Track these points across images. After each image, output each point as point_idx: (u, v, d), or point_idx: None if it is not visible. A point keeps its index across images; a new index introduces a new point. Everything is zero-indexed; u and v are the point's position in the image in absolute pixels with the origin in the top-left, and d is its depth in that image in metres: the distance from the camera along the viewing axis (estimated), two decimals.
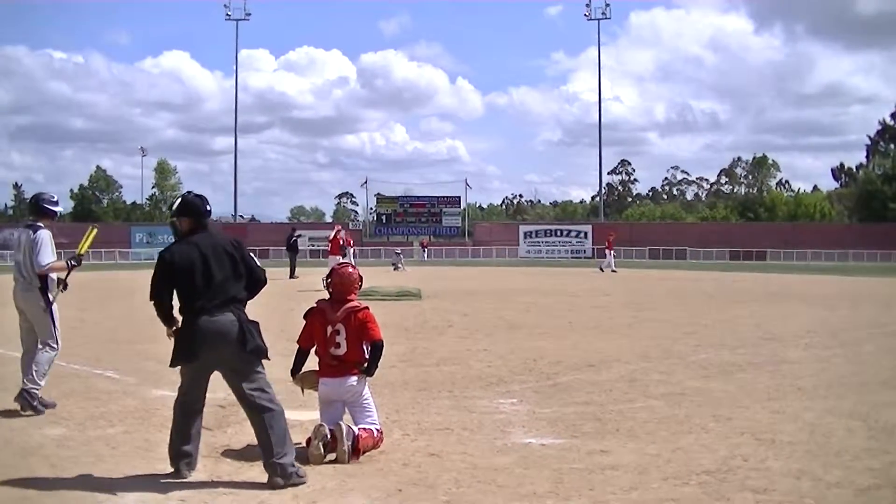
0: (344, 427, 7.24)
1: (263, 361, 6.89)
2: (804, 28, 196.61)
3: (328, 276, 7.99)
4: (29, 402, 9.01)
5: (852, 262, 74.88)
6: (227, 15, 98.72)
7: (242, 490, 6.42)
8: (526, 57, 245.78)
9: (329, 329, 7.60)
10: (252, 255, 7.03)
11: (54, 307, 9.30)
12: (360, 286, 7.99)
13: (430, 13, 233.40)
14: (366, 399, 7.71)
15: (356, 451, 7.24)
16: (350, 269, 7.99)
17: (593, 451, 7.54)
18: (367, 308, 7.81)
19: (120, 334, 15.90)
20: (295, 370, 7.77)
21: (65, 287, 9.45)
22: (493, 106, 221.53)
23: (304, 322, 7.81)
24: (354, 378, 7.60)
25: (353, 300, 7.78)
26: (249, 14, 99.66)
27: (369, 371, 7.74)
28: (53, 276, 9.32)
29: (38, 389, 9.07)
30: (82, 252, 9.45)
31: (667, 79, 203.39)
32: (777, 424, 8.59)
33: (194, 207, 6.97)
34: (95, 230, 9.67)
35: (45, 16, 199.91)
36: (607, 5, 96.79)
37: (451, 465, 7.09)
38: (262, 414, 6.66)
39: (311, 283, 27.90)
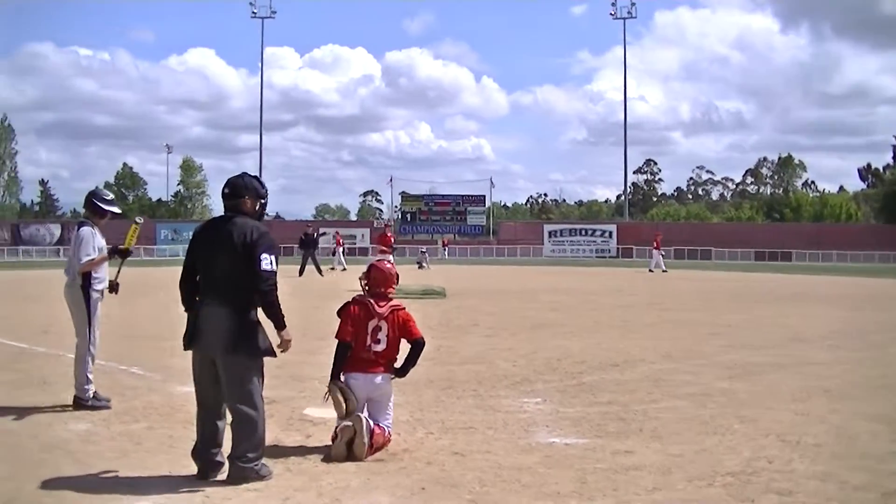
0: (363, 420, 7.24)
1: (270, 360, 6.84)
2: (830, 27, 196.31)
3: (366, 271, 8.00)
4: (83, 406, 9.11)
5: (878, 263, 74.48)
6: (253, 13, 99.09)
7: (267, 486, 6.43)
8: (551, 56, 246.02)
9: (372, 324, 7.63)
10: (268, 257, 6.65)
11: (94, 307, 9.31)
12: (397, 283, 8.03)
13: (455, 12, 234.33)
14: (390, 399, 7.75)
15: (370, 448, 7.26)
16: (388, 265, 8.07)
17: (617, 452, 7.52)
18: (404, 308, 7.91)
19: (145, 330, 15.97)
20: (337, 368, 7.60)
21: (115, 289, 9.45)
22: (517, 105, 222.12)
23: (342, 316, 7.72)
24: (380, 376, 7.61)
25: (391, 295, 7.87)
26: (275, 12, 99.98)
27: (404, 371, 7.81)
28: (101, 275, 9.36)
29: (86, 392, 9.15)
30: (128, 246, 9.45)
31: (692, 78, 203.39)
32: (802, 426, 8.54)
33: (230, 186, 6.92)
34: (139, 225, 9.66)
35: (71, 13, 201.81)
36: (633, 4, 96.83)
37: (475, 465, 7.08)
38: (239, 412, 6.61)
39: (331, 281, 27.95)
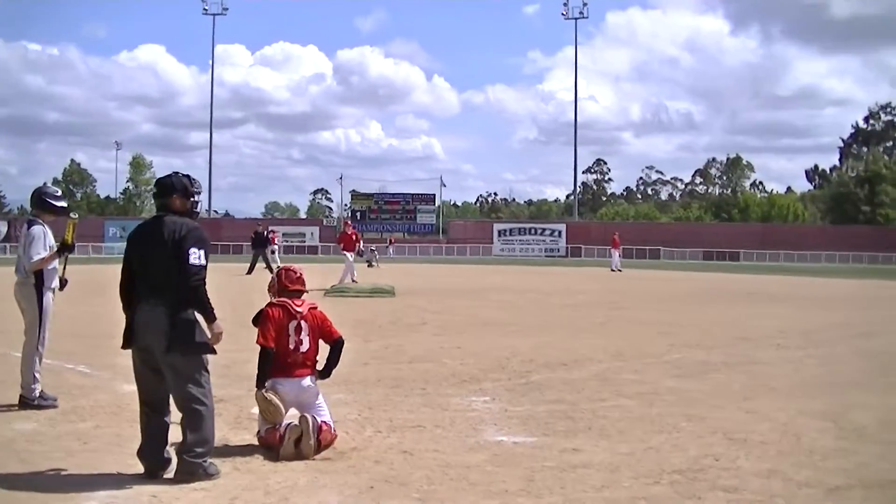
0: (310, 419, 7.21)
1: (209, 356, 6.79)
2: (780, 30, 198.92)
3: (276, 276, 8.03)
4: (29, 405, 8.99)
5: (825, 263, 75.50)
6: (204, 9, 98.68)
7: (214, 486, 6.38)
8: (502, 55, 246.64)
9: (293, 324, 7.58)
10: (197, 251, 6.57)
11: (46, 306, 9.19)
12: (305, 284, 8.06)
13: (407, 10, 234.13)
14: (320, 398, 7.70)
15: (319, 445, 7.24)
16: (296, 267, 8.12)
17: (565, 450, 7.53)
18: (317, 305, 7.95)
19: (92, 329, 15.79)
20: (263, 374, 7.50)
21: (63, 285, 9.39)
22: (469, 104, 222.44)
23: (262, 321, 7.62)
24: (308, 379, 7.60)
25: (303, 292, 7.91)
26: (227, 9, 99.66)
27: (328, 371, 7.80)
28: (51, 271, 9.25)
29: (33, 391, 9.04)
30: (69, 240, 9.35)
31: (642, 79, 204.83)
32: (749, 424, 8.61)
33: (158, 185, 6.94)
34: (75, 220, 9.55)
35: (19, 7, 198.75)
36: (585, 4, 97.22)
37: (424, 463, 7.07)
38: (188, 409, 6.57)
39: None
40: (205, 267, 6.63)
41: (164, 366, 6.56)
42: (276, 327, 7.55)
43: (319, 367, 7.79)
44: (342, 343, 7.83)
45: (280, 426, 7.29)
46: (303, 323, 7.61)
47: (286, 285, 7.82)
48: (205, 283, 6.63)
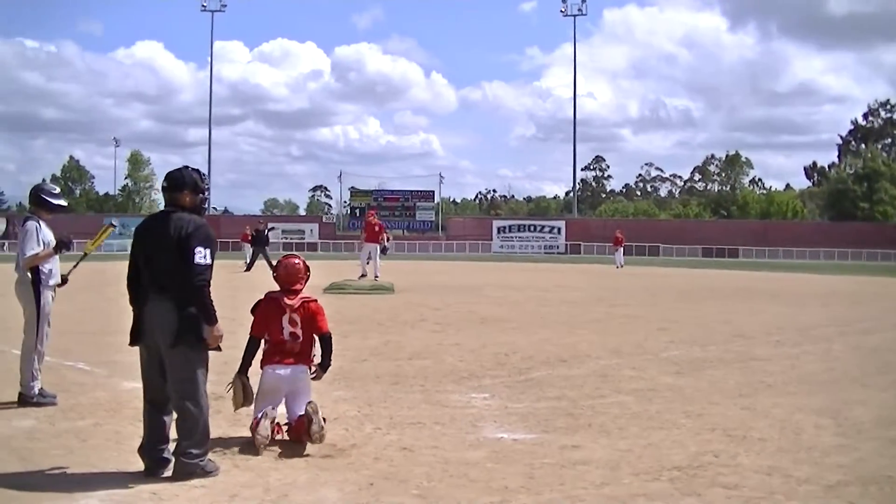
0: (315, 404, 7.41)
1: (212, 353, 6.83)
2: (777, 27, 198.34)
3: (275, 266, 8.06)
4: (29, 403, 8.99)
5: (823, 260, 75.52)
6: (203, 6, 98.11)
7: (214, 483, 6.39)
8: (500, 52, 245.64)
9: (286, 318, 7.66)
10: (202, 250, 6.58)
11: (44, 304, 9.17)
12: (307, 277, 8.05)
13: (404, 7, 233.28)
14: (309, 391, 7.77)
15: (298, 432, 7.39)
16: (296, 261, 8.05)
17: (565, 447, 7.55)
18: (316, 300, 7.92)
19: (91, 326, 15.84)
20: (246, 362, 7.66)
21: (63, 282, 9.40)
22: (466, 101, 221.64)
23: (254, 312, 7.80)
24: (300, 367, 7.69)
25: (300, 290, 7.88)
26: (225, 5, 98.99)
27: (324, 365, 7.86)
28: (49, 269, 9.22)
29: (32, 389, 9.03)
30: (89, 250, 9.35)
31: (640, 76, 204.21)
32: (748, 421, 8.63)
33: (169, 180, 6.89)
34: (112, 228, 9.55)
35: (17, 4, 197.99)
36: (583, 1, 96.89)
37: (423, 460, 7.08)
38: (182, 408, 6.59)
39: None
40: (210, 266, 6.62)
41: (169, 361, 6.57)
42: (266, 318, 7.69)
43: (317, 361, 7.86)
44: (329, 338, 7.88)
45: (258, 414, 7.42)
46: (295, 316, 7.69)
47: (283, 283, 7.88)
48: (209, 283, 6.63)
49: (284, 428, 7.60)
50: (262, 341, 7.73)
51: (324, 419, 7.38)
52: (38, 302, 9.05)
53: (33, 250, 8.98)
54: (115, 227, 9.49)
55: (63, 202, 9.56)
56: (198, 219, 6.76)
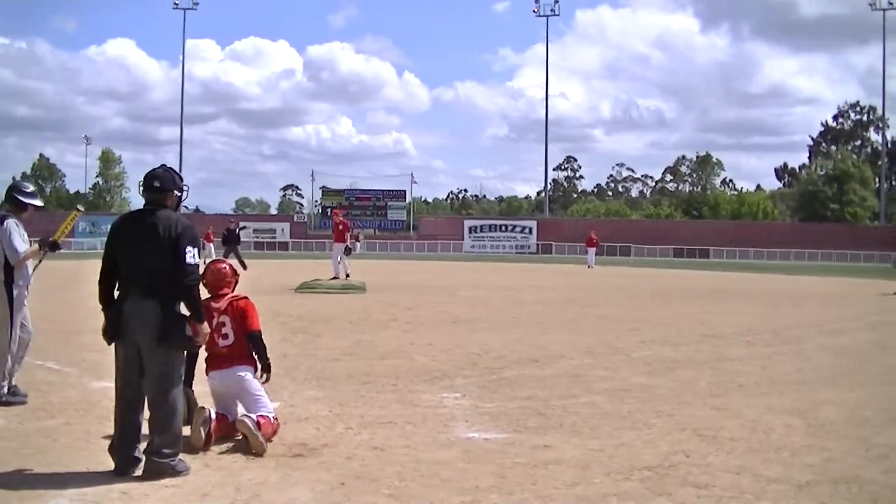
0: (248, 421, 7.24)
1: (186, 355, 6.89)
2: (750, 29, 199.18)
3: (203, 273, 7.79)
4: None
5: (794, 261, 76.09)
6: (175, 3, 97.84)
7: (185, 482, 6.36)
8: (473, 52, 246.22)
9: (214, 321, 7.56)
10: (192, 250, 6.64)
11: (17, 303, 9.02)
12: (235, 282, 8.02)
13: (378, 6, 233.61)
14: (256, 389, 7.68)
15: (263, 434, 7.25)
16: (222, 265, 8.06)
17: (536, 446, 7.55)
18: (246, 298, 7.89)
19: (62, 325, 15.69)
20: (187, 373, 7.43)
21: (53, 247, 9.28)
22: (439, 100, 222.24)
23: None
24: (239, 369, 7.61)
25: (227, 293, 7.84)
26: (197, 3, 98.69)
27: (264, 365, 7.77)
28: (26, 268, 9.14)
29: (1, 388, 8.92)
30: (59, 238, 9.28)
31: (613, 76, 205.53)
32: (719, 421, 8.66)
33: (160, 180, 6.85)
34: (80, 212, 9.46)
35: None
36: (556, 2, 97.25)
37: (395, 459, 7.06)
38: (157, 406, 6.58)
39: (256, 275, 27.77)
40: (199, 265, 6.69)
41: (148, 360, 6.55)
42: None
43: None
44: (258, 336, 7.77)
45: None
46: (224, 318, 7.64)
47: (210, 288, 7.85)
48: (199, 282, 6.72)
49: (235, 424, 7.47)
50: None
51: (264, 428, 7.30)
52: (10, 302, 8.96)
53: (22, 247, 8.90)
54: (81, 211, 9.41)
55: (36, 201, 9.42)
56: (184, 219, 6.79)
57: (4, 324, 8.97)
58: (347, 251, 29.84)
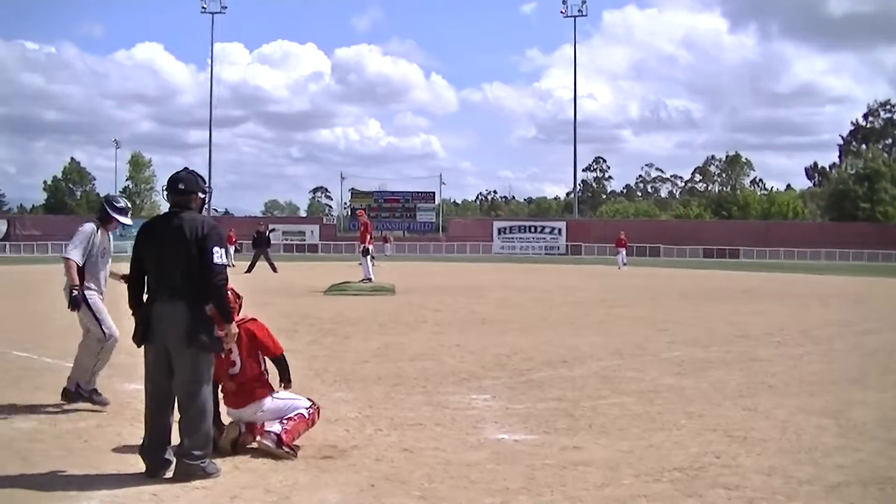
0: (267, 441, 7.14)
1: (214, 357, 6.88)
2: (778, 28, 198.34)
3: None
4: (82, 397, 9.01)
5: (824, 260, 75.44)
6: (203, 8, 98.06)
7: (215, 484, 6.39)
8: (500, 53, 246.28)
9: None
10: (219, 250, 6.65)
11: (94, 303, 9.03)
12: (239, 306, 7.61)
13: (404, 8, 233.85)
14: (275, 409, 7.42)
15: (287, 445, 7.18)
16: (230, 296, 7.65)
17: (566, 448, 7.54)
18: (254, 319, 7.62)
19: None
20: (215, 417, 7.25)
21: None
22: (467, 102, 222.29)
23: None
24: (265, 400, 7.39)
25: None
26: (225, 7, 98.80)
27: (286, 380, 7.56)
28: (98, 274, 9.13)
29: (80, 386, 9.01)
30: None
31: (640, 77, 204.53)
32: (749, 422, 8.62)
33: (185, 182, 6.88)
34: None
35: (17, 5, 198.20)
36: (584, 2, 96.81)
37: (424, 461, 7.08)
38: (187, 408, 6.62)
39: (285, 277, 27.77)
40: (227, 266, 6.73)
41: (178, 362, 6.60)
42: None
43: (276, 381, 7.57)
44: (281, 359, 7.55)
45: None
46: (232, 348, 7.31)
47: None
48: (227, 282, 6.75)
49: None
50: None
51: (290, 448, 7.20)
52: (87, 304, 8.97)
53: (69, 254, 8.91)
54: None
55: (123, 218, 9.30)
56: (210, 219, 6.85)
57: (91, 325, 9.00)
58: (364, 252, 29.47)
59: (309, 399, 7.68)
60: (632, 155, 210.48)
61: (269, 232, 42.48)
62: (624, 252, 52.31)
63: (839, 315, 21.20)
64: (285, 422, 7.30)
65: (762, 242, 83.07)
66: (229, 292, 7.30)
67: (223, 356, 7.22)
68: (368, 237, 29.50)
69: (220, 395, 7.48)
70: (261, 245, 39.42)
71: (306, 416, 7.47)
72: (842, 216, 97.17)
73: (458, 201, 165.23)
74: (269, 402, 7.40)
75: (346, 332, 15.92)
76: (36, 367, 11.29)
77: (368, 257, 29.07)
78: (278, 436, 7.18)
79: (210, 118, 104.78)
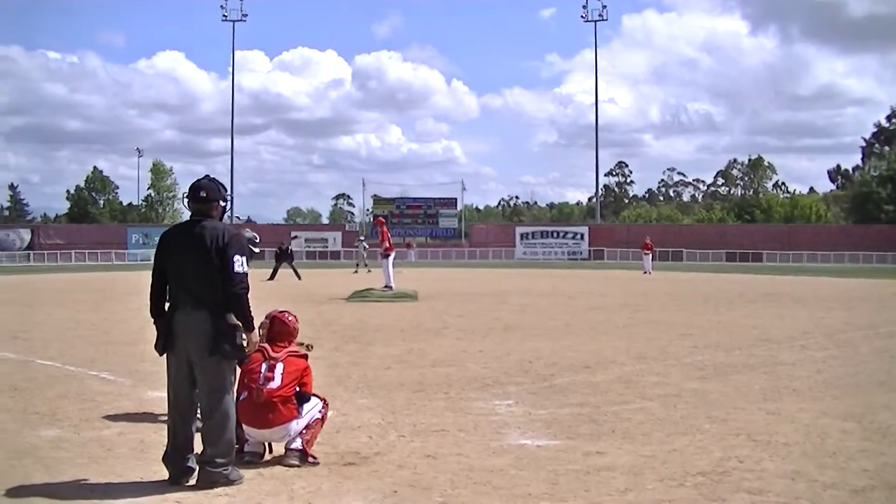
0: (291, 458, 7.14)
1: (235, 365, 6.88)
2: (799, 30, 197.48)
3: (269, 322, 7.69)
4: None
5: (848, 263, 74.99)
6: (224, 16, 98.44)
7: (238, 491, 6.42)
8: (520, 59, 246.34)
9: (266, 364, 7.27)
10: (240, 258, 6.66)
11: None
12: (296, 336, 7.69)
13: (423, 14, 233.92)
14: (298, 427, 7.30)
15: (310, 455, 7.20)
16: (289, 318, 7.76)
17: (589, 453, 7.54)
18: (306, 357, 7.60)
19: (115, 336, 15.85)
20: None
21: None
22: (487, 107, 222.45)
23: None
24: (292, 424, 7.25)
25: (288, 347, 7.54)
26: (246, 15, 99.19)
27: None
28: None
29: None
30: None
31: (661, 81, 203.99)
32: (772, 426, 8.59)
33: (207, 190, 6.88)
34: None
35: (39, 16, 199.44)
36: (604, 7, 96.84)
37: (447, 467, 7.09)
38: (210, 416, 6.63)
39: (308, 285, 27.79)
40: (247, 274, 6.73)
41: (200, 370, 6.61)
42: (244, 370, 7.27)
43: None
44: (308, 396, 7.43)
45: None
46: (279, 364, 7.30)
47: (274, 338, 7.55)
48: (248, 291, 6.72)
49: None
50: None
51: (313, 457, 7.21)
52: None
53: None
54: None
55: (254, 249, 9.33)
56: (231, 227, 6.87)
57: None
58: (385, 256, 29.19)
59: (315, 395, 7.61)
60: (653, 159, 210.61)
61: (292, 240, 43.00)
62: (650, 257, 52.24)
63: (863, 318, 21.08)
64: (304, 432, 7.29)
65: (785, 246, 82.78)
66: (293, 319, 7.49)
67: (262, 371, 7.23)
68: (388, 243, 29.41)
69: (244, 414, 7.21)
70: (284, 258, 40.10)
71: (320, 417, 7.49)
72: (865, 219, 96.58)
73: (480, 207, 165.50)
74: (294, 426, 7.28)
75: (369, 338, 15.95)
76: (59, 376, 11.35)
77: (390, 264, 28.89)
78: (301, 450, 7.19)
79: (231, 126, 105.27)
